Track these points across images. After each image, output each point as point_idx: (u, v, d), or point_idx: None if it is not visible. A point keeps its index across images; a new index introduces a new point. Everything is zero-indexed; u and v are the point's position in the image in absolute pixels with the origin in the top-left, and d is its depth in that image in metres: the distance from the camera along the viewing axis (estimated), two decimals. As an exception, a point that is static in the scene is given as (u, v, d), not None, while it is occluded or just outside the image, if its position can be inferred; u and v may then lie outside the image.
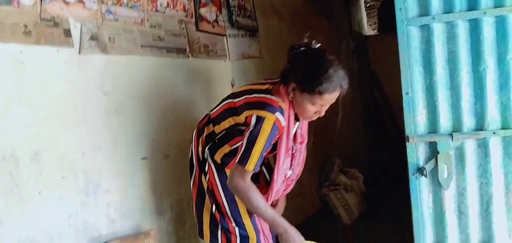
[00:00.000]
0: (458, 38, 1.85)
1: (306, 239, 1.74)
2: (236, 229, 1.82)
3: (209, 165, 1.84)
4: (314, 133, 3.90)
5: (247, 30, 3.02)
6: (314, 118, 1.71)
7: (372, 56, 5.61)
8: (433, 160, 1.91)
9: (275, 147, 1.72)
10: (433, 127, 1.92)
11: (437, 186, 1.93)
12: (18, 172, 1.64)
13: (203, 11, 2.57)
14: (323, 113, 1.67)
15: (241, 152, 1.66)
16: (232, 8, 2.84)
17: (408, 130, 1.92)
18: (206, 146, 1.85)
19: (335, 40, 4.70)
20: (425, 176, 1.91)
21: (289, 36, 3.65)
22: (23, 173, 1.66)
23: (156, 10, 2.23)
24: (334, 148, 4.33)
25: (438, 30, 1.86)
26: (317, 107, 1.66)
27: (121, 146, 2.05)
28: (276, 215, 1.73)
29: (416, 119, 1.92)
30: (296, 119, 1.77)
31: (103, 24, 1.94)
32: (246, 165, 1.64)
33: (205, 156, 1.85)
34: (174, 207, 2.35)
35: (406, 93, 1.90)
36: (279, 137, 1.69)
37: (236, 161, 1.68)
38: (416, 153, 1.93)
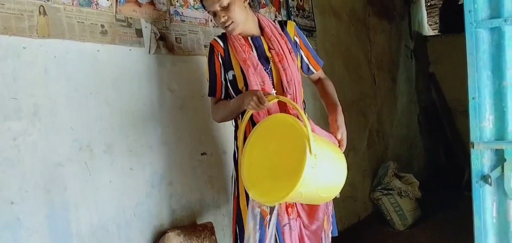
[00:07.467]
0: (531, 41, 1.76)
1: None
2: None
3: None
4: (369, 135, 3.88)
5: (305, 30, 3.03)
6: (225, 27, 1.73)
7: (431, 57, 5.41)
8: (499, 168, 1.82)
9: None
10: (500, 133, 1.83)
11: (502, 195, 1.84)
12: (92, 162, 1.77)
13: (262, 11, 2.61)
14: (222, 19, 1.70)
15: None
16: (291, 9, 2.87)
17: (473, 136, 1.85)
18: None
19: (395, 40, 4.58)
20: (490, 184, 1.84)
21: (346, 36, 3.62)
22: (97, 163, 1.78)
23: (219, 11, 2.30)
24: (389, 151, 4.23)
25: (510, 33, 1.77)
26: (214, 16, 1.74)
27: (184, 141, 2.14)
28: (235, 98, 1.77)
29: (482, 124, 1.84)
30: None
31: (171, 25, 2.04)
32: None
33: None
34: (230, 201, 2.42)
35: (473, 98, 1.83)
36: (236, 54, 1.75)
37: None
38: (481, 160, 1.86)
